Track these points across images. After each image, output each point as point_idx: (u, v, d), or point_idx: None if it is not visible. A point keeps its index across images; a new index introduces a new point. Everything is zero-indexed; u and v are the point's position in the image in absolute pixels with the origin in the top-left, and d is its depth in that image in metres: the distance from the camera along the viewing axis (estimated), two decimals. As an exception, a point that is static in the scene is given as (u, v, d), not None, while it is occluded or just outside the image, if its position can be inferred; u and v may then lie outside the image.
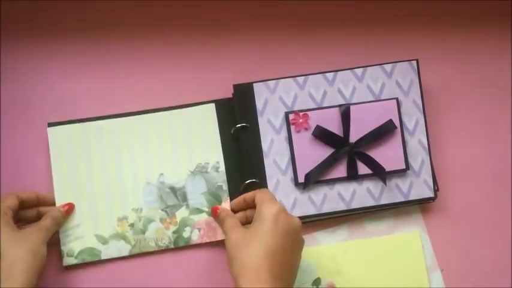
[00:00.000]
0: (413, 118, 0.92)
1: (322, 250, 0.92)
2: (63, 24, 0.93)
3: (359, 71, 0.91)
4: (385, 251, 0.93)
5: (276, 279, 0.75)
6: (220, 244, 0.91)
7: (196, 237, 0.91)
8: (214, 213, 0.90)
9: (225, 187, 0.91)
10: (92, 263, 0.89)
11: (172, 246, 0.90)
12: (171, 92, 0.93)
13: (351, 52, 0.95)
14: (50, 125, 0.90)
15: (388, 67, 0.91)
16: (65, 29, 0.93)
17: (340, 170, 0.90)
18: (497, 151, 0.96)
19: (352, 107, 0.90)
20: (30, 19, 0.93)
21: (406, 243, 0.93)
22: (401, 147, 0.90)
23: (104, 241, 0.90)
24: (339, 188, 0.91)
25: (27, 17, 0.92)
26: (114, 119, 0.91)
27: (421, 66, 0.92)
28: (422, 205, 0.94)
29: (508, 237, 0.95)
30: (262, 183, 0.90)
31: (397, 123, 0.90)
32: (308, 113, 0.90)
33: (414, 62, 0.92)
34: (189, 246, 0.91)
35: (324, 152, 0.90)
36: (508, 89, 0.96)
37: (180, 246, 0.91)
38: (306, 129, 0.90)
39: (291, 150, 0.90)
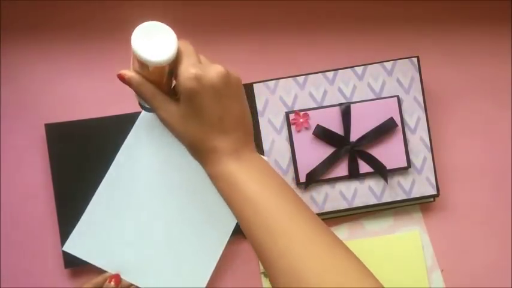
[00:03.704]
0: (414, 115, 0.92)
1: (323, 250, 0.92)
2: (63, 24, 0.93)
3: (359, 69, 0.91)
4: (385, 251, 0.93)
5: (230, 136, 0.71)
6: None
7: None
8: (122, 79, 0.74)
9: None
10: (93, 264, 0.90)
11: None
12: (172, 92, 0.93)
13: (351, 51, 0.95)
14: (48, 125, 0.90)
15: (388, 65, 0.92)
16: (65, 29, 0.93)
17: (342, 169, 0.90)
18: (497, 151, 0.96)
19: (352, 106, 0.90)
20: (30, 19, 0.92)
21: (406, 243, 0.93)
22: (403, 145, 0.91)
23: None
24: (341, 186, 0.91)
25: (27, 17, 0.92)
26: (114, 119, 0.91)
27: (421, 66, 0.92)
28: (422, 205, 0.94)
29: (508, 237, 0.95)
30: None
31: (398, 121, 0.90)
32: (308, 112, 0.90)
33: (415, 59, 0.92)
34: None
35: (325, 151, 0.90)
36: (508, 89, 0.96)
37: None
38: (307, 128, 0.90)
39: (292, 150, 0.90)
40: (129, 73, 0.72)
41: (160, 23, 0.68)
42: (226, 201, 0.71)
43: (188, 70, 0.68)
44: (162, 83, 0.72)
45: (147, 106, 0.77)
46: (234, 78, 0.71)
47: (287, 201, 0.69)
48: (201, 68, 0.68)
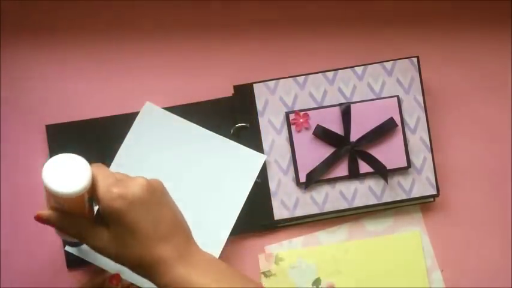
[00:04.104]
0: (414, 115, 0.92)
1: (323, 250, 0.92)
2: (63, 25, 0.93)
3: (359, 70, 0.91)
4: (385, 251, 0.93)
5: (166, 241, 0.70)
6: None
7: None
8: (40, 220, 0.73)
9: None
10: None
11: None
12: (171, 92, 0.93)
13: (351, 51, 0.95)
14: (49, 126, 0.90)
15: (388, 65, 0.92)
16: (65, 29, 0.93)
17: (342, 169, 0.90)
18: (497, 151, 0.96)
19: (352, 106, 0.90)
20: (30, 19, 0.92)
21: (406, 243, 0.93)
22: (403, 145, 0.91)
23: None
24: (341, 186, 0.91)
25: (27, 17, 0.92)
26: (114, 119, 0.91)
27: (421, 66, 0.92)
28: (422, 205, 0.94)
29: (508, 237, 0.95)
30: (263, 183, 0.91)
31: (398, 121, 0.90)
32: (308, 112, 0.90)
33: (415, 59, 0.92)
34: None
35: (325, 151, 0.90)
36: (508, 88, 0.96)
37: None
38: (307, 128, 0.90)
39: (292, 150, 0.90)
40: (46, 212, 0.71)
41: (67, 154, 0.68)
42: None
43: (110, 191, 0.67)
44: (84, 213, 0.71)
45: (73, 240, 0.76)
46: (156, 184, 0.71)
47: None
48: (122, 186, 0.68)
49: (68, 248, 0.89)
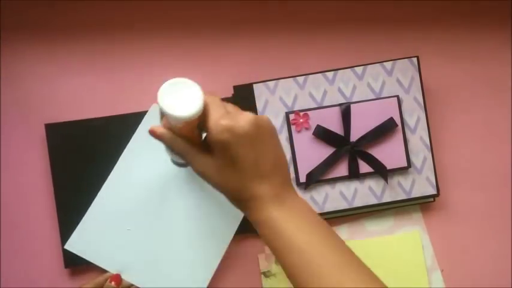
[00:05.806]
0: (414, 115, 0.92)
1: (323, 250, 0.92)
2: (63, 24, 0.93)
3: (359, 70, 0.91)
4: (385, 251, 0.93)
5: (268, 179, 0.70)
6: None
7: None
8: (153, 134, 0.73)
9: None
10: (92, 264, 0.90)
11: None
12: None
13: (351, 51, 0.95)
14: (48, 125, 0.90)
15: (388, 65, 0.92)
16: (64, 29, 0.93)
17: (342, 169, 0.90)
18: (497, 151, 0.96)
19: (352, 106, 0.90)
20: (31, 19, 0.92)
21: (406, 243, 0.93)
22: (403, 145, 0.91)
23: None
24: (341, 187, 0.91)
25: (27, 17, 0.92)
26: (114, 119, 0.91)
27: (421, 65, 0.92)
28: (422, 205, 0.94)
29: (508, 237, 0.95)
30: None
31: (398, 121, 0.90)
32: (308, 112, 0.90)
33: (415, 59, 0.92)
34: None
35: (325, 152, 0.90)
36: (508, 88, 0.96)
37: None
38: (307, 129, 0.90)
39: (292, 150, 0.90)
40: (160, 129, 0.72)
41: (184, 79, 0.69)
42: (270, 247, 0.70)
43: (218, 122, 0.68)
44: (193, 137, 0.72)
45: (180, 161, 0.78)
46: (264, 121, 0.71)
47: (333, 249, 0.69)
48: (230, 119, 0.68)
49: (67, 246, 0.89)
